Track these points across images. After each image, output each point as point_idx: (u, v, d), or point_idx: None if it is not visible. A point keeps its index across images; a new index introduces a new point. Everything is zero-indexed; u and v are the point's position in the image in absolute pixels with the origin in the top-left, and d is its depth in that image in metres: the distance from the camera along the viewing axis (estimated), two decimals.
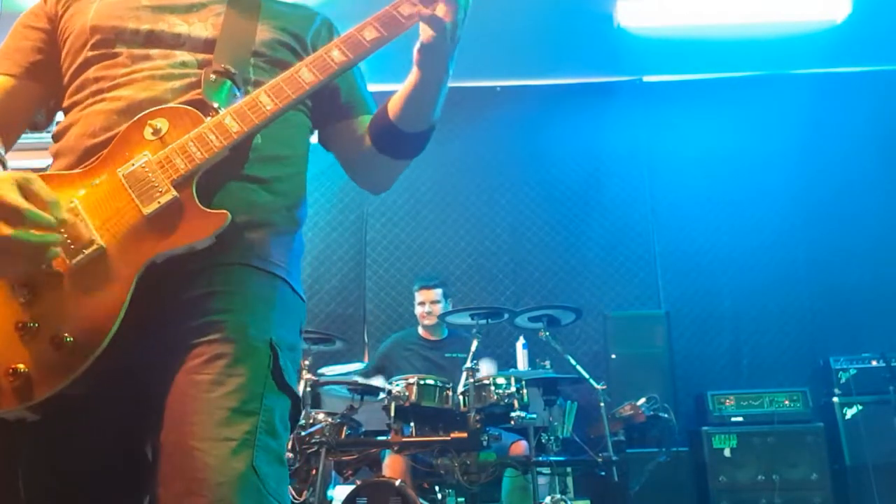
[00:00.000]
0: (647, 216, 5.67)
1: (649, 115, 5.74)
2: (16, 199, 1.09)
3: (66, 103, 1.38)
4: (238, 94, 1.29)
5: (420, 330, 4.72)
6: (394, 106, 1.39)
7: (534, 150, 5.77)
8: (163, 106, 1.25)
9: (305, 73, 1.25)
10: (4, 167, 1.27)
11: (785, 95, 5.62)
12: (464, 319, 4.09)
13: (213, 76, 1.29)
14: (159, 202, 1.18)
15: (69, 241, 1.17)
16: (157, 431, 1.14)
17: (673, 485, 4.45)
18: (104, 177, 1.21)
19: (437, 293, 4.67)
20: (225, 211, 1.19)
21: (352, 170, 1.54)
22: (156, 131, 1.22)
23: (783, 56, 5.46)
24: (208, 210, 1.19)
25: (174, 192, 1.18)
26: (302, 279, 1.40)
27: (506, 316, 4.06)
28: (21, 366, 1.12)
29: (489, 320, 3.99)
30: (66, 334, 1.13)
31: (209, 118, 1.23)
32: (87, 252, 1.17)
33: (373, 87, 1.58)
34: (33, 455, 1.21)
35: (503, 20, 4.70)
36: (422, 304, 4.67)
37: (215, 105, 1.25)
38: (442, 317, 4.38)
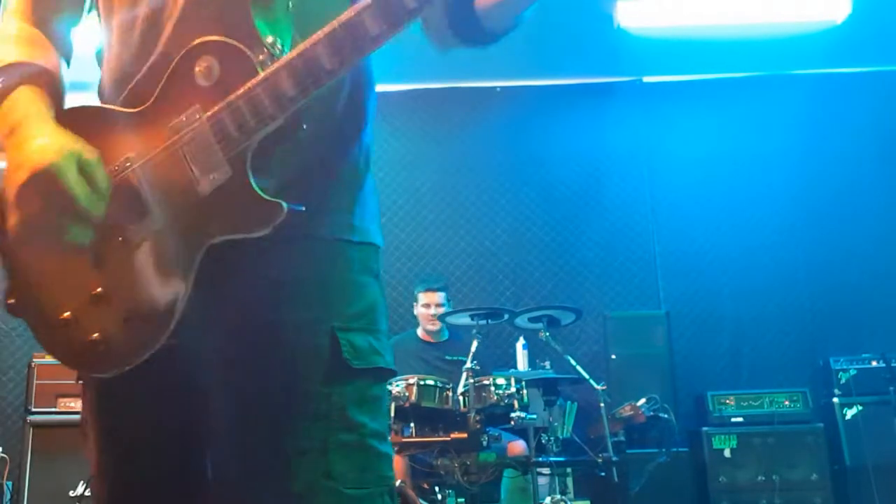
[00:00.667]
0: (647, 216, 5.67)
1: (649, 116, 5.74)
2: (72, 185, 1.02)
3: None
4: (291, 9, 1.11)
5: (419, 332, 4.69)
6: (483, 1, 1.21)
7: (534, 151, 5.76)
8: (214, 38, 1.07)
9: (370, 24, 1.00)
10: (60, 91, 1.16)
11: (785, 96, 5.62)
12: (464, 320, 4.09)
13: None
14: (213, 179, 1.06)
15: (125, 209, 1.10)
16: (215, 441, 1.08)
17: (673, 485, 4.45)
18: (156, 131, 1.09)
19: (441, 296, 4.63)
20: (280, 202, 1.04)
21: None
22: (207, 74, 1.07)
23: (783, 56, 5.45)
24: (264, 197, 1.05)
25: (229, 170, 1.06)
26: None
27: (506, 316, 4.06)
28: (97, 335, 1.10)
29: (489, 321, 3.99)
30: (133, 313, 1.09)
31: (259, 61, 1.05)
32: (146, 224, 1.10)
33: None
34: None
35: None
36: (427, 306, 4.61)
37: (269, 40, 1.07)
38: (442, 317, 4.37)
